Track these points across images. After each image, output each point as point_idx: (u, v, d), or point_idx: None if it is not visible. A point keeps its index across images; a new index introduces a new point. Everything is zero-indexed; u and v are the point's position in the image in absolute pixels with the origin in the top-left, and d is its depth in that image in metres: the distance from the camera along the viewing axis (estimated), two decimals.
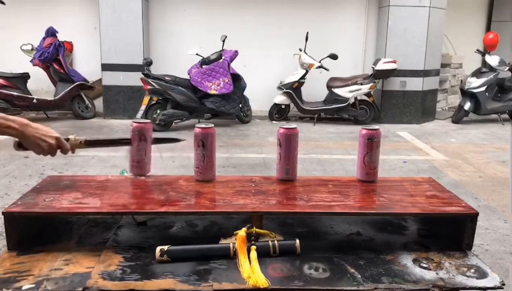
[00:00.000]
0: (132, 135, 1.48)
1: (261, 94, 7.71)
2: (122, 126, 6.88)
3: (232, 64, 6.94)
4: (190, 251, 1.17)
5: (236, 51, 6.93)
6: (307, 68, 7.26)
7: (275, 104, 7.43)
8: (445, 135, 6.79)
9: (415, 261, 1.18)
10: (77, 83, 7.16)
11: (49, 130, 1.29)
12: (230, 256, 1.14)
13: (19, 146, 1.29)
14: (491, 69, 7.46)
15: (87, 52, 7.81)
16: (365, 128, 1.48)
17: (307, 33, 7.12)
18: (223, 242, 1.21)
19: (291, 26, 7.84)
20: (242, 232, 1.15)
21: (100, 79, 7.50)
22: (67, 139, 1.34)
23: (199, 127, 1.58)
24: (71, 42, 7.53)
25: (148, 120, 1.56)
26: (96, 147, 1.45)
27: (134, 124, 1.50)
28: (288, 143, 1.49)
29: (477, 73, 7.57)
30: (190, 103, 6.68)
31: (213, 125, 1.62)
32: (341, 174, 4.42)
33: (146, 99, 6.48)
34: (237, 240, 1.14)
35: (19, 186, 3.93)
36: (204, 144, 1.57)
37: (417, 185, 1.50)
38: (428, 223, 1.42)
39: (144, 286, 1.03)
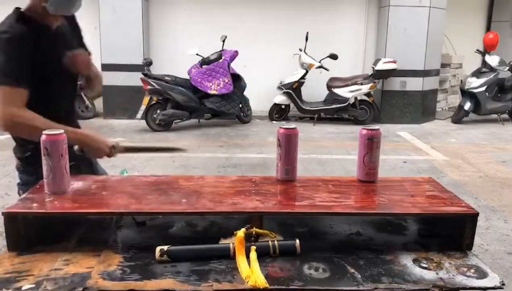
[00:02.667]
0: (42, 149, 1.28)
1: (261, 94, 7.72)
2: (122, 126, 6.88)
3: (232, 64, 6.94)
4: (190, 251, 1.17)
5: (236, 51, 6.94)
6: (307, 68, 7.26)
7: (275, 104, 7.43)
8: (445, 135, 6.79)
9: (415, 261, 1.18)
10: (77, 83, 7.16)
11: (103, 140, 1.60)
12: (230, 256, 1.14)
13: (80, 150, 1.56)
14: (491, 69, 7.46)
15: None
16: (365, 129, 1.48)
17: (307, 33, 7.12)
18: (223, 242, 1.21)
19: (291, 26, 7.84)
20: (240, 233, 1.15)
21: None
22: (113, 146, 1.61)
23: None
24: None
25: (61, 131, 1.30)
26: (135, 153, 1.60)
27: (44, 136, 1.28)
28: (288, 144, 1.49)
29: (477, 73, 7.57)
30: (190, 103, 6.68)
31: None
32: (341, 174, 4.42)
33: (146, 99, 6.48)
34: (236, 240, 1.14)
35: None
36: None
37: (417, 185, 1.50)
38: (428, 223, 1.42)
39: (144, 286, 1.03)
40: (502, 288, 1.06)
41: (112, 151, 1.62)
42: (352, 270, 1.12)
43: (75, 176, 1.46)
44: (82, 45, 1.87)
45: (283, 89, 7.30)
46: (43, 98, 1.58)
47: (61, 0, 1.53)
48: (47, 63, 1.57)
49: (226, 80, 6.78)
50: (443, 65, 8.25)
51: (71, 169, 1.38)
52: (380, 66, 7.15)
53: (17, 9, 1.56)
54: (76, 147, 1.55)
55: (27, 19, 1.54)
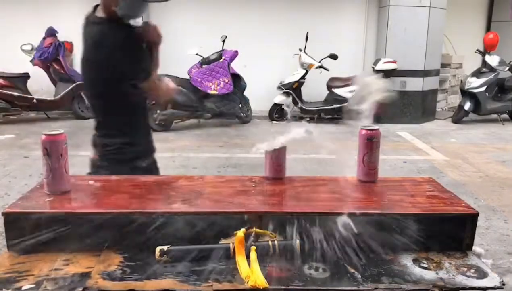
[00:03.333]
0: (42, 149, 1.30)
1: (261, 94, 7.71)
2: None
3: (232, 64, 6.94)
4: (190, 251, 1.17)
5: (236, 51, 6.93)
6: (307, 68, 7.26)
7: (275, 104, 7.43)
8: (445, 135, 6.79)
9: (415, 261, 1.18)
10: (77, 83, 7.15)
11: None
12: (230, 256, 1.14)
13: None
14: (491, 69, 7.46)
15: None
16: (364, 129, 1.48)
17: (307, 33, 7.12)
18: (223, 242, 1.21)
19: (291, 26, 7.84)
20: (240, 233, 1.15)
21: None
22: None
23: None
24: (71, 42, 7.52)
25: (61, 131, 1.31)
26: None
27: (43, 136, 1.29)
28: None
29: (477, 73, 7.57)
30: (190, 104, 6.68)
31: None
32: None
33: None
34: (235, 241, 1.14)
35: (19, 186, 3.93)
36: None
37: (417, 185, 1.50)
38: (428, 223, 1.41)
39: (144, 286, 1.03)
40: (502, 288, 1.06)
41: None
42: (352, 270, 1.12)
43: (75, 176, 1.46)
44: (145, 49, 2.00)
45: (283, 89, 7.29)
46: (119, 96, 1.72)
47: (130, 5, 1.65)
48: (120, 63, 1.70)
49: (226, 80, 6.78)
50: (443, 65, 8.24)
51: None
52: (380, 66, 7.15)
53: (92, 12, 1.73)
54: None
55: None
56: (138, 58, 1.76)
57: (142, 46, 1.79)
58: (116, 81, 1.68)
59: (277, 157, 1.51)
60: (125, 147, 1.68)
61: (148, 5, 1.72)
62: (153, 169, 1.87)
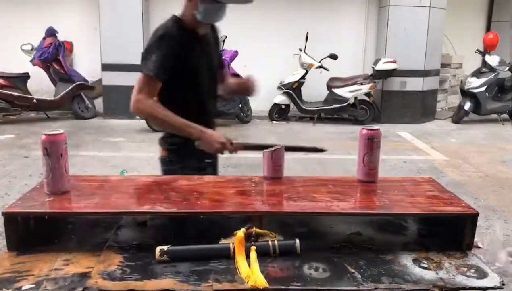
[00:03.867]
0: (42, 149, 1.30)
1: (261, 94, 7.70)
2: (122, 126, 6.88)
3: (232, 64, 6.93)
4: (190, 251, 1.17)
5: (236, 51, 6.93)
6: (307, 68, 7.26)
7: (275, 104, 7.43)
8: (445, 135, 6.79)
9: (415, 261, 1.18)
10: (77, 83, 7.16)
11: (218, 136, 1.69)
12: (230, 256, 1.14)
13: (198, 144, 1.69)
14: (491, 69, 7.46)
15: (87, 52, 7.81)
16: (365, 129, 1.48)
17: (307, 33, 7.12)
18: (223, 242, 1.21)
19: (291, 26, 7.84)
20: (240, 233, 1.15)
21: (100, 79, 7.50)
22: (230, 141, 1.69)
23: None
24: (71, 42, 7.53)
25: (60, 132, 1.30)
26: (253, 150, 1.69)
27: (43, 136, 1.28)
28: None
29: (477, 73, 7.57)
30: None
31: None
32: (341, 174, 4.42)
33: None
34: (235, 241, 1.14)
35: (19, 186, 3.93)
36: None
37: (417, 185, 1.50)
38: (428, 223, 1.42)
39: (144, 286, 1.03)
40: (502, 288, 1.06)
41: (225, 147, 1.69)
42: (352, 270, 1.12)
43: (75, 176, 1.46)
44: (219, 55, 2.07)
45: (283, 89, 7.29)
46: (190, 98, 1.78)
47: (208, 10, 1.69)
48: (197, 66, 1.77)
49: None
50: (443, 65, 8.24)
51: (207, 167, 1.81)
52: (380, 66, 7.15)
53: (174, 15, 1.80)
54: (196, 142, 1.69)
55: (181, 24, 1.75)
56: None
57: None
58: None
59: (276, 157, 1.51)
60: (190, 141, 1.73)
61: (226, 8, 1.72)
62: (216, 165, 1.96)
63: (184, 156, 1.78)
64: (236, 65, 7.06)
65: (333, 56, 7.11)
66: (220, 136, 1.70)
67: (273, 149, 1.52)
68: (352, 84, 7.23)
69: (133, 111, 1.72)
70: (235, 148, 1.70)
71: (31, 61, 7.09)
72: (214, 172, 1.93)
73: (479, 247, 1.27)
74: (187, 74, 1.74)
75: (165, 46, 1.69)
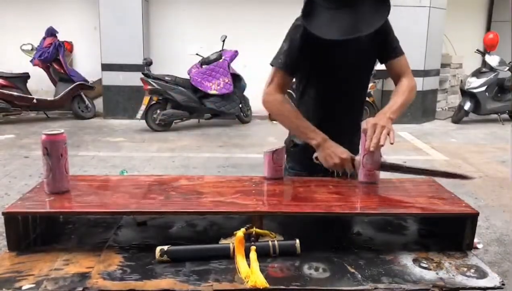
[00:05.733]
0: (42, 148, 1.29)
1: (261, 94, 7.71)
2: (122, 126, 6.88)
3: (232, 64, 6.94)
4: (190, 251, 1.17)
5: (236, 51, 6.93)
6: None
7: None
8: (445, 135, 6.79)
9: (415, 261, 1.18)
10: (77, 83, 7.16)
11: (341, 151, 1.49)
12: (230, 256, 1.14)
13: (316, 157, 1.54)
14: (491, 69, 7.46)
15: (87, 52, 7.82)
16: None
17: None
18: (223, 242, 1.21)
19: None
20: (240, 233, 1.15)
21: (100, 79, 7.50)
22: (353, 160, 1.48)
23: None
24: (71, 42, 7.54)
25: (61, 131, 1.31)
26: (392, 171, 1.46)
27: (43, 136, 1.28)
28: None
29: (477, 73, 7.57)
30: (190, 103, 6.68)
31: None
32: None
33: (146, 99, 6.48)
34: (235, 241, 1.14)
35: (19, 186, 3.93)
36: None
37: (417, 185, 1.50)
38: (428, 223, 1.42)
39: (144, 286, 1.03)
40: (502, 288, 1.06)
41: (345, 164, 1.49)
42: (352, 270, 1.12)
43: (75, 176, 1.46)
44: (388, 49, 1.67)
45: None
46: (324, 98, 1.61)
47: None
48: (334, 65, 1.56)
49: (226, 80, 6.78)
50: (443, 65, 8.24)
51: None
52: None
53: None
54: (315, 154, 1.55)
55: None
56: None
57: None
58: None
59: (277, 157, 1.51)
60: (308, 147, 1.57)
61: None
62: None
63: (294, 160, 1.65)
64: (236, 65, 7.06)
65: None
66: (343, 151, 1.50)
67: (274, 149, 1.52)
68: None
69: (262, 105, 1.62)
70: (356, 167, 1.48)
71: (31, 61, 7.10)
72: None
73: (476, 248, 1.26)
74: (325, 72, 1.57)
75: (294, 35, 1.55)
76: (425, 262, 1.17)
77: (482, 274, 1.11)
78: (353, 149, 1.54)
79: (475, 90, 7.39)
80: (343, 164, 1.49)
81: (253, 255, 1.11)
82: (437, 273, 1.11)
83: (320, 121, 1.56)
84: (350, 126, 1.66)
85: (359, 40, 1.47)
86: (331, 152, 1.50)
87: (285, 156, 1.62)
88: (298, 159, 1.71)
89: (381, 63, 1.68)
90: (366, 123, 1.43)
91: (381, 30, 1.49)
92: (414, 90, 1.59)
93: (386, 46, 1.63)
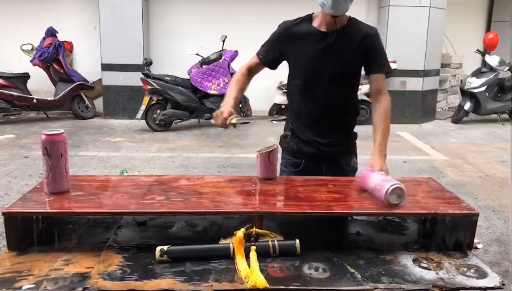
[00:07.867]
0: (42, 148, 1.29)
1: (261, 94, 7.70)
2: (122, 126, 6.88)
3: (232, 64, 6.93)
4: (190, 251, 1.17)
5: (236, 51, 6.93)
6: None
7: (275, 104, 7.42)
8: (445, 135, 6.79)
9: (415, 261, 1.18)
10: (77, 83, 7.16)
11: (223, 110, 1.75)
12: (230, 256, 1.14)
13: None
14: (491, 69, 7.45)
15: (87, 52, 7.81)
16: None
17: None
18: (223, 242, 1.21)
19: None
20: (240, 233, 1.15)
21: (100, 79, 7.50)
22: (225, 116, 1.72)
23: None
24: (71, 42, 7.53)
25: (61, 131, 1.31)
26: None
27: (43, 136, 1.28)
28: None
29: (477, 73, 7.57)
30: (190, 103, 6.68)
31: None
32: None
33: (146, 99, 6.48)
34: (235, 241, 1.14)
35: (19, 186, 3.93)
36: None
37: (417, 185, 1.50)
38: (428, 223, 1.42)
39: (144, 286, 1.03)
40: (502, 288, 1.06)
41: (218, 117, 1.75)
42: (352, 270, 1.12)
43: (75, 176, 1.46)
44: (376, 65, 1.82)
45: (283, 89, 7.29)
46: (296, 89, 1.84)
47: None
48: (306, 61, 1.79)
49: (226, 80, 6.78)
50: (443, 65, 8.24)
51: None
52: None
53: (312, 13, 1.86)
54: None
55: (308, 20, 1.83)
56: None
57: None
58: None
59: (272, 157, 1.50)
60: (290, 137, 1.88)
61: None
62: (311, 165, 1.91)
63: (284, 150, 1.90)
64: (236, 65, 7.05)
65: None
66: (224, 110, 1.73)
67: (269, 149, 1.52)
68: None
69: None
70: (224, 120, 1.71)
71: (31, 61, 7.09)
72: (310, 170, 1.77)
73: (476, 248, 1.26)
74: (295, 65, 1.85)
75: (274, 32, 1.90)
76: (425, 262, 1.17)
77: (482, 274, 1.11)
78: (338, 122, 1.91)
79: (475, 90, 7.39)
80: (217, 117, 1.75)
81: (253, 255, 1.11)
82: (437, 273, 1.12)
83: (301, 106, 1.84)
84: (330, 109, 1.85)
85: (339, 54, 1.75)
86: (218, 112, 1.76)
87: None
88: (286, 148, 1.93)
89: (366, 74, 1.87)
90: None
91: (365, 43, 1.75)
92: (390, 109, 1.88)
93: (370, 60, 1.80)
